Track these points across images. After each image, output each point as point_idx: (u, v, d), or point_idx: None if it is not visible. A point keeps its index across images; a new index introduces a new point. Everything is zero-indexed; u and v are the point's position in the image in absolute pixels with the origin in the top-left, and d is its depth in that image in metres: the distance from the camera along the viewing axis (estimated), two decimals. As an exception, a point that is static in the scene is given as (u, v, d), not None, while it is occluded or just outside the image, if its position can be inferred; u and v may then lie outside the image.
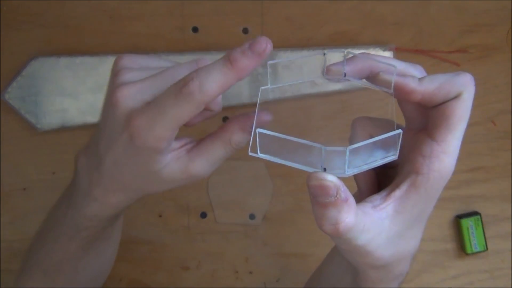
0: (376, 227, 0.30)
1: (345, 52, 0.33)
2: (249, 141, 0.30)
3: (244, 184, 0.63)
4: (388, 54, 0.62)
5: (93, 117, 0.60)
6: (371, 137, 0.33)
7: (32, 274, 0.45)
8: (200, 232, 0.63)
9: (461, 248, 0.63)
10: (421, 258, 0.63)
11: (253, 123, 0.31)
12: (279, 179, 0.63)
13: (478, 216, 0.62)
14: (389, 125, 0.34)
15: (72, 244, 0.41)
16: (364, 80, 0.33)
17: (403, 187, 0.31)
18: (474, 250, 0.62)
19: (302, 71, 0.34)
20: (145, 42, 0.62)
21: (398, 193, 0.31)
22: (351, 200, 0.28)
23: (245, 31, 0.63)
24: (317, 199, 0.28)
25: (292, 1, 0.62)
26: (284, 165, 0.29)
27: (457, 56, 0.63)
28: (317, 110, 0.62)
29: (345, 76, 0.33)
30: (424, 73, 0.33)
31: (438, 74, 0.31)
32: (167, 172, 0.34)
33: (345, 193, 0.28)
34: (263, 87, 0.33)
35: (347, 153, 0.27)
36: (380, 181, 0.35)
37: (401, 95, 0.31)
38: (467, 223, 0.62)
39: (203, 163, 0.34)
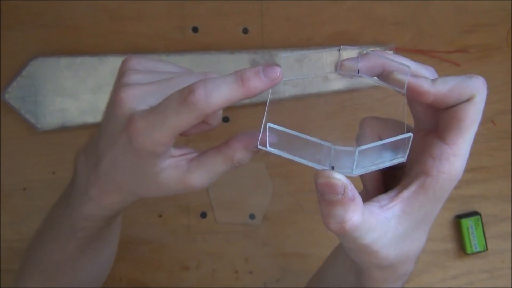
0: (382, 226, 0.30)
1: (360, 49, 0.33)
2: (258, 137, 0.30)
3: (244, 184, 0.63)
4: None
5: (93, 117, 0.60)
6: (380, 137, 0.33)
7: (31, 274, 0.45)
8: (200, 232, 0.63)
9: (461, 248, 0.63)
10: (421, 258, 0.62)
11: (257, 142, 0.31)
12: (279, 179, 0.63)
13: (478, 216, 0.62)
14: (398, 126, 0.34)
15: (69, 244, 0.41)
16: (375, 78, 0.33)
17: (411, 188, 0.31)
18: (474, 250, 0.62)
19: (315, 66, 0.34)
20: (145, 42, 0.62)
21: (406, 193, 0.31)
22: (358, 199, 0.28)
23: (245, 31, 0.63)
24: (324, 197, 0.28)
25: (292, 1, 0.62)
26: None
27: (457, 56, 0.63)
28: (317, 110, 0.62)
29: (358, 72, 0.33)
30: (435, 75, 0.33)
31: (451, 76, 0.31)
32: (163, 178, 0.34)
33: (353, 192, 0.28)
34: None
35: (356, 153, 0.27)
36: (386, 181, 0.35)
37: (413, 96, 0.31)
38: (467, 223, 0.62)
39: (201, 175, 0.34)
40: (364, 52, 0.33)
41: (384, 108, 0.62)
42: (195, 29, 0.62)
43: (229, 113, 0.61)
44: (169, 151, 0.33)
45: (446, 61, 0.63)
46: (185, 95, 0.29)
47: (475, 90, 0.31)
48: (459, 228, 0.63)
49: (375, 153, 0.29)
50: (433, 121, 0.33)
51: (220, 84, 0.30)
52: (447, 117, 0.31)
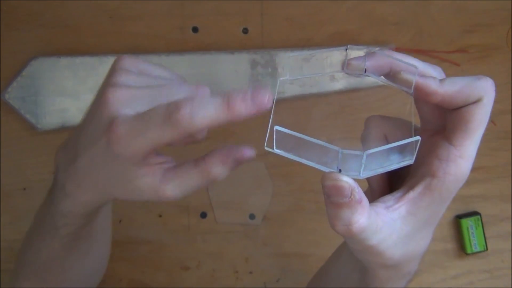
0: (388, 227, 0.30)
1: (368, 49, 0.33)
2: (265, 137, 0.30)
3: (244, 184, 0.63)
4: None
5: (93, 117, 0.60)
6: (386, 136, 0.33)
7: (25, 274, 0.45)
8: (200, 232, 0.63)
9: (461, 248, 0.63)
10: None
11: (234, 156, 0.31)
12: (279, 179, 0.63)
13: (478, 216, 0.62)
14: (404, 126, 0.34)
15: (54, 242, 0.41)
16: (382, 77, 0.33)
17: (417, 189, 0.31)
18: (474, 250, 0.62)
19: (322, 65, 0.34)
20: (145, 42, 0.62)
21: (411, 195, 0.31)
22: (365, 201, 0.28)
23: (245, 31, 0.63)
24: (331, 199, 0.28)
25: (292, 1, 0.62)
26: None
27: (457, 56, 0.63)
28: (317, 110, 0.62)
29: (365, 72, 0.33)
30: (443, 75, 0.33)
31: (459, 77, 0.31)
32: (137, 185, 0.33)
33: (360, 195, 0.28)
34: (281, 78, 0.33)
35: (364, 157, 0.27)
36: (391, 180, 0.35)
37: (420, 96, 0.31)
38: (467, 223, 0.62)
39: (174, 187, 0.34)
40: (372, 51, 0.33)
41: (386, 108, 0.62)
42: (195, 29, 0.62)
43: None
44: (147, 159, 0.32)
45: (446, 61, 0.63)
46: (170, 111, 0.29)
47: (483, 91, 0.31)
48: (459, 228, 0.63)
49: (383, 156, 0.29)
50: (440, 122, 0.33)
51: (206, 105, 0.29)
52: (454, 118, 0.31)
